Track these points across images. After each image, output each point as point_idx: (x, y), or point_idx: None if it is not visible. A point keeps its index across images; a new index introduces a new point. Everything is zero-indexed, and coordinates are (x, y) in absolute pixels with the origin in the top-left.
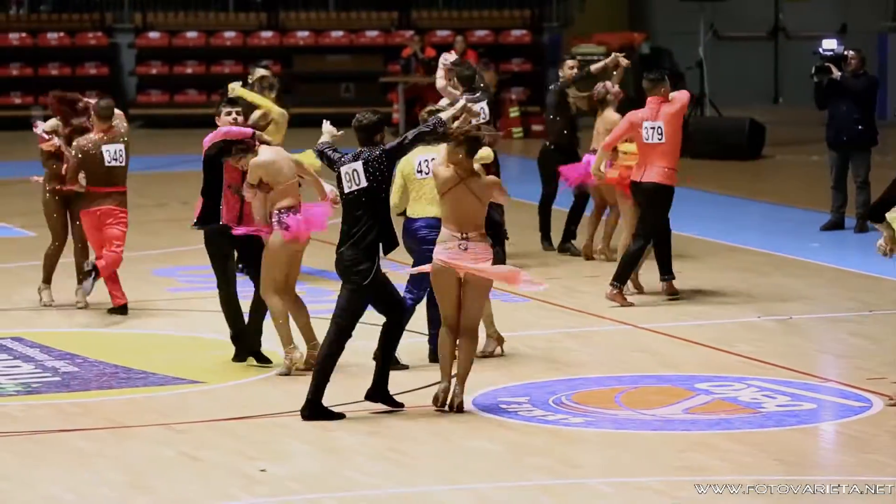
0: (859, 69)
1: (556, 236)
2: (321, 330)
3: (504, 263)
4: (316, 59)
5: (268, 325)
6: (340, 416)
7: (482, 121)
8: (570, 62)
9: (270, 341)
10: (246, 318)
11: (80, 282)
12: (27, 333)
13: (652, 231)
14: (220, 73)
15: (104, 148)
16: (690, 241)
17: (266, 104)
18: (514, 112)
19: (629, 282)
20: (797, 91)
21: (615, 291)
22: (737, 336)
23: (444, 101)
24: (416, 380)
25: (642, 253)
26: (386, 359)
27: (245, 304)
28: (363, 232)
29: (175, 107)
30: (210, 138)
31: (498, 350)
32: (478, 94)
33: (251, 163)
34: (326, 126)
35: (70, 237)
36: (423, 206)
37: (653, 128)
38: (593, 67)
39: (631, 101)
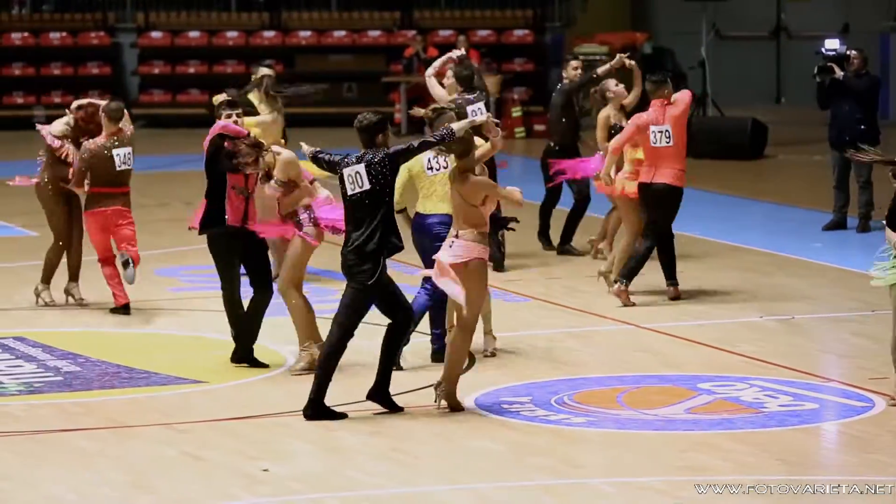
0: (861, 69)
1: (556, 237)
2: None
3: (498, 255)
4: (318, 58)
5: (268, 324)
6: (342, 415)
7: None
8: (573, 63)
9: (273, 339)
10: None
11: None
12: (29, 333)
13: (662, 232)
14: (223, 72)
15: (115, 151)
16: (692, 241)
17: (251, 122)
18: (516, 112)
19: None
20: (799, 91)
21: (622, 288)
22: (739, 336)
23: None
24: (417, 380)
25: (650, 253)
26: (388, 361)
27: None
28: (367, 234)
29: (177, 106)
30: (209, 136)
31: (490, 349)
32: (476, 94)
33: (284, 160)
34: (304, 147)
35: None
36: (435, 202)
37: (660, 131)
38: (601, 70)
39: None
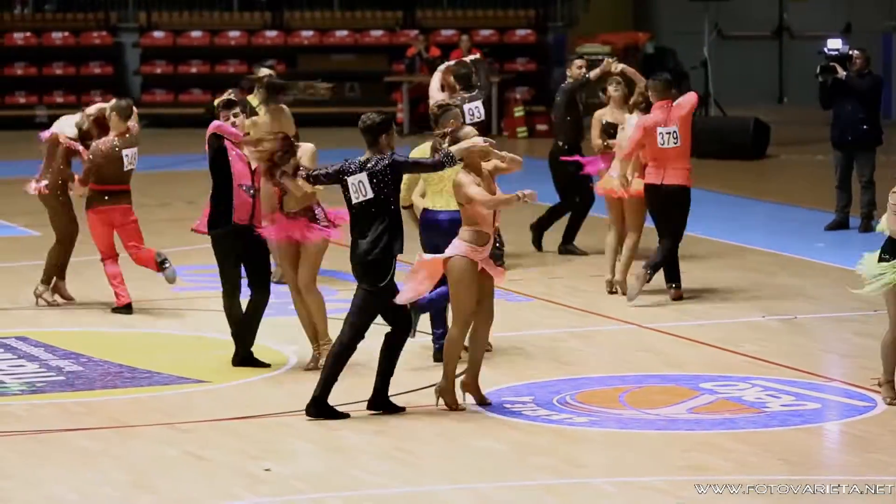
0: (864, 69)
1: (556, 237)
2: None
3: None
4: (321, 58)
5: (269, 324)
6: (345, 415)
7: (476, 120)
8: (578, 62)
9: (274, 338)
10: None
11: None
12: (32, 332)
13: (681, 230)
14: (225, 72)
15: (124, 151)
16: (695, 241)
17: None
18: (518, 112)
19: (617, 281)
20: (802, 90)
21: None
22: (741, 336)
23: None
24: (418, 380)
25: (676, 251)
26: (387, 369)
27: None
28: (373, 240)
29: (179, 106)
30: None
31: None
32: (474, 93)
33: (312, 150)
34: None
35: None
36: (446, 199)
37: (668, 133)
38: (592, 74)
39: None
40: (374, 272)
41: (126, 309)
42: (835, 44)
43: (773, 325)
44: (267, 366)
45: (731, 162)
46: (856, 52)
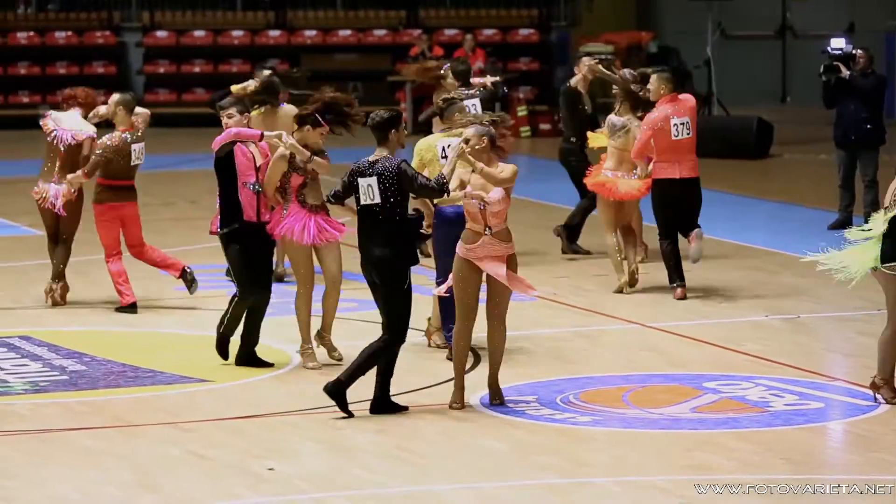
0: (867, 68)
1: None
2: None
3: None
4: (324, 58)
5: (272, 324)
6: (350, 414)
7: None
8: (585, 59)
9: (278, 338)
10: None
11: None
12: (35, 332)
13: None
14: (228, 72)
15: (133, 146)
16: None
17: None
18: (521, 111)
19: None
20: (805, 90)
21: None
22: (744, 335)
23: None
24: (420, 379)
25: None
26: (386, 374)
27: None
28: (381, 242)
29: (182, 106)
30: (220, 139)
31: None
32: (472, 91)
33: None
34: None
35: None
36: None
37: (682, 123)
38: (572, 82)
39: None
40: (392, 271)
41: (131, 308)
42: (838, 43)
43: (777, 325)
44: (270, 365)
45: (735, 161)
46: (859, 51)
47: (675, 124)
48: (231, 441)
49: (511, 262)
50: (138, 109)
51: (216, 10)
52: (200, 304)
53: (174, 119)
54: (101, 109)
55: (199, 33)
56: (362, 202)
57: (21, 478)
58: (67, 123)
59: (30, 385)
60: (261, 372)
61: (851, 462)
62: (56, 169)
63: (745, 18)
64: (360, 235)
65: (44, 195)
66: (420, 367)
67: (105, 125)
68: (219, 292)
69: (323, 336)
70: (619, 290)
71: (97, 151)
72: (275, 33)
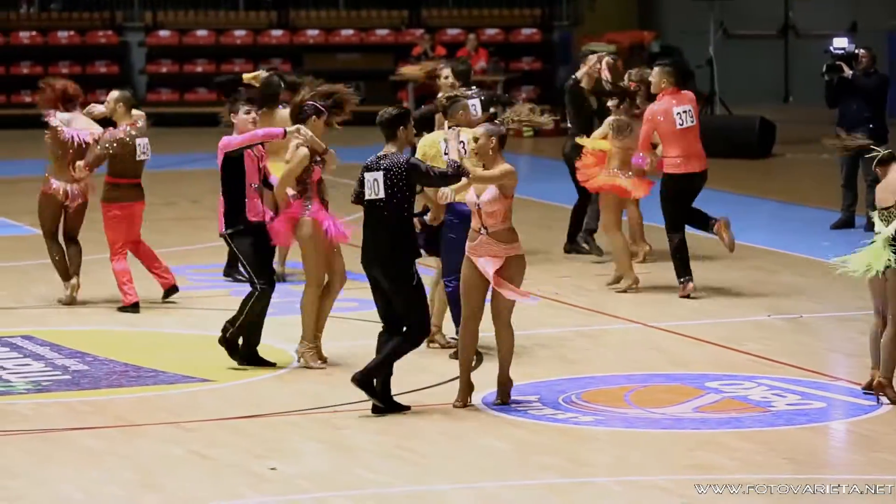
0: (870, 67)
1: (561, 237)
2: (331, 328)
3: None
4: (326, 57)
5: (275, 323)
6: (383, 404)
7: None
8: (591, 56)
9: (280, 337)
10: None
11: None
12: (37, 332)
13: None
14: (231, 71)
15: (137, 141)
16: (700, 240)
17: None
18: None
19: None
20: (807, 89)
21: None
22: (746, 335)
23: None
24: (421, 379)
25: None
26: (386, 368)
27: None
28: (385, 238)
29: (185, 105)
30: (241, 140)
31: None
32: (472, 90)
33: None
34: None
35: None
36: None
37: (686, 111)
38: (578, 75)
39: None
40: (399, 270)
41: (133, 308)
42: (841, 42)
43: (779, 324)
44: (272, 365)
45: (737, 161)
46: (862, 50)
47: (678, 112)
48: (233, 441)
49: (513, 264)
50: (134, 112)
51: (218, 9)
52: (202, 304)
53: (176, 119)
54: (98, 108)
55: (201, 33)
56: (367, 196)
57: (24, 477)
58: (78, 124)
59: (32, 385)
60: (263, 372)
61: (854, 462)
62: (68, 167)
63: (748, 18)
64: (365, 229)
65: (63, 190)
66: (421, 366)
67: (104, 123)
68: (219, 292)
69: (316, 337)
70: (624, 290)
71: (103, 145)
72: (277, 33)
